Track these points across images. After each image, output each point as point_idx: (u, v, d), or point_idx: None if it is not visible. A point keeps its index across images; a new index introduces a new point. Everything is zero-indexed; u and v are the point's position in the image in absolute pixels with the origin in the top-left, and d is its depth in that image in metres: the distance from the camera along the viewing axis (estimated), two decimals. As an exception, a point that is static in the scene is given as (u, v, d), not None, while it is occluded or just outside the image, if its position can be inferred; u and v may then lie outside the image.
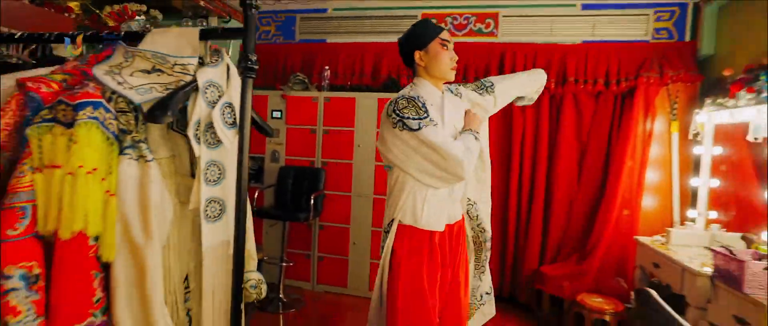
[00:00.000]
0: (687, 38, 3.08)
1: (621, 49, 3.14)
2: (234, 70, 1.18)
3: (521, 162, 3.32)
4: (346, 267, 3.53)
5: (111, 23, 2.58)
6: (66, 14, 2.34)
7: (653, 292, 1.43)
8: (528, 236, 3.30)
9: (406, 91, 1.52)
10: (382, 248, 1.53)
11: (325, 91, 3.55)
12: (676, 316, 1.28)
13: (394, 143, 1.44)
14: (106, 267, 0.97)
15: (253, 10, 1.13)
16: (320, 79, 3.60)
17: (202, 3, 3.35)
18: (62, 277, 0.90)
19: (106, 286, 0.96)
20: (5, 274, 0.83)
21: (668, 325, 1.25)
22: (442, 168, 1.40)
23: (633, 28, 3.18)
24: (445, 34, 1.56)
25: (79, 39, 1.33)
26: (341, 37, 3.72)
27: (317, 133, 3.53)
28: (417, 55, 1.55)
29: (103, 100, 0.98)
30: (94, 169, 0.93)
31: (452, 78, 1.58)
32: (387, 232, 1.53)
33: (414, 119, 1.40)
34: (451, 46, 1.56)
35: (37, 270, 0.88)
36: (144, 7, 2.78)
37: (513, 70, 3.28)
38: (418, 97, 1.48)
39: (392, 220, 1.51)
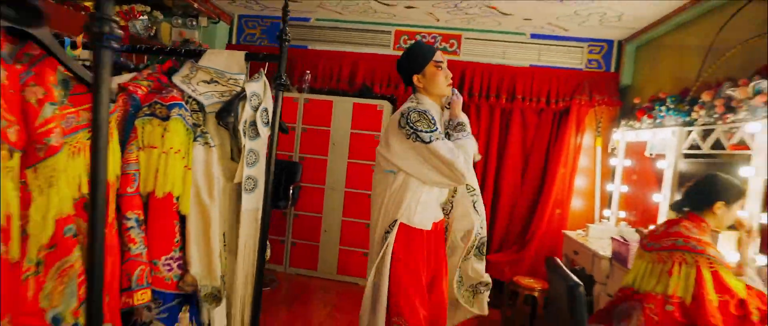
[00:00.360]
0: (612, 70, 3.81)
1: (560, 74, 3.82)
2: (268, 85, 1.65)
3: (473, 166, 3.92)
4: (316, 253, 3.99)
5: (121, 22, 2.93)
6: (83, 12, 2.67)
7: (557, 260, 2.02)
8: (477, 229, 3.90)
9: (414, 105, 1.69)
10: (381, 248, 1.69)
11: (305, 93, 4.00)
12: (571, 274, 1.86)
13: (405, 151, 1.64)
14: (182, 219, 1.41)
15: (286, 43, 1.60)
16: (301, 82, 4.05)
17: (195, 5, 3.71)
18: (156, 223, 1.34)
19: (182, 232, 1.41)
20: (127, 216, 1.27)
21: (564, 280, 1.83)
22: (448, 176, 1.64)
23: (571, 57, 3.87)
24: (438, 56, 1.74)
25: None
26: (322, 44, 4.18)
27: (296, 130, 3.98)
28: (415, 78, 1.75)
29: (183, 102, 1.42)
30: (179, 151, 1.38)
31: (449, 93, 1.80)
32: (388, 233, 1.68)
33: (426, 132, 1.60)
34: (444, 65, 1.75)
35: (142, 217, 1.31)
36: (148, 9, 3.14)
37: (471, 85, 3.88)
38: (427, 111, 1.66)
39: (395, 221, 1.68)
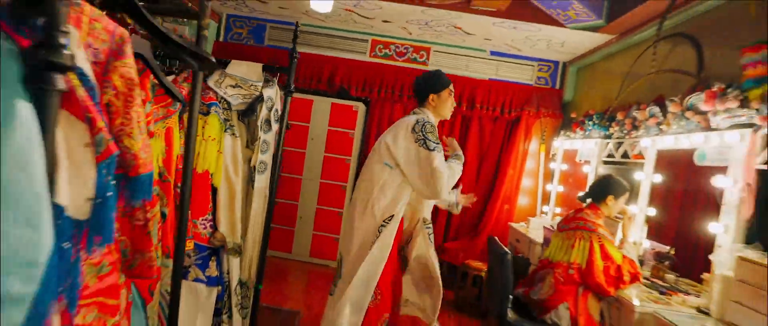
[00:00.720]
0: (557, 87, 4.51)
1: (514, 87, 4.48)
2: (279, 90, 2.15)
3: (437, 164, 4.53)
4: (292, 237, 4.48)
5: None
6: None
7: (495, 238, 2.63)
8: (436, 221, 4.50)
9: (426, 117, 2.01)
10: (373, 237, 1.92)
11: (287, 91, 4.47)
12: (502, 246, 2.47)
13: (408, 150, 1.93)
14: (213, 191, 1.90)
15: (295, 59, 2.11)
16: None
17: (189, 4, 4.09)
18: (196, 192, 1.82)
19: (213, 200, 1.90)
20: (177, 185, 1.74)
21: (497, 250, 2.44)
22: (427, 183, 1.91)
23: (523, 74, 4.54)
24: (452, 87, 2.10)
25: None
26: (305, 48, 4.65)
27: (278, 125, 4.44)
28: (431, 96, 2.06)
29: (217, 102, 1.91)
30: (214, 139, 1.87)
31: (449, 117, 2.18)
32: (384, 226, 1.92)
33: (433, 142, 1.91)
34: (453, 94, 2.13)
35: (187, 187, 1.79)
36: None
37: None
38: (435, 125, 2.00)
39: (392, 216, 1.93)
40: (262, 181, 2.11)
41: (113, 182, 0.92)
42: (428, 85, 2.10)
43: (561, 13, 3.36)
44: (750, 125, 2.01)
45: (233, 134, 1.95)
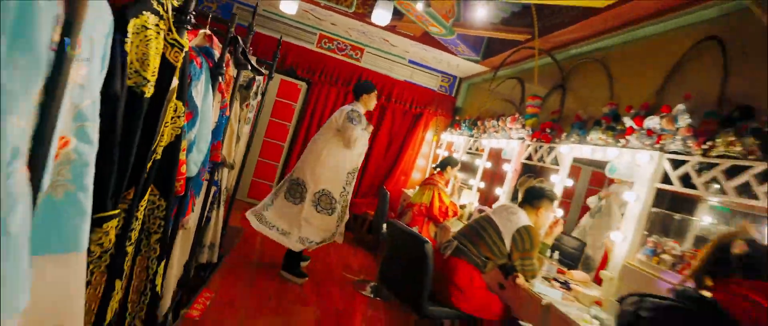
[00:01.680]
0: (453, 95, 6.42)
1: (422, 90, 6.30)
2: (263, 77, 3.70)
3: (357, 139, 6.25)
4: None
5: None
6: None
7: (384, 188, 4.40)
8: (351, 182, 6.24)
9: (356, 109, 3.61)
10: (341, 186, 3.74)
11: (247, 64, 5.90)
12: (385, 189, 4.24)
13: (345, 125, 3.52)
14: (221, 130, 3.43)
15: (276, 58, 3.68)
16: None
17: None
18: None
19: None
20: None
21: (381, 190, 4.20)
22: (346, 142, 3.52)
23: (430, 81, 6.39)
24: (376, 91, 3.82)
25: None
26: (264, 30, 6.08)
27: (236, 89, 5.87)
28: (364, 95, 3.70)
29: (230, 79, 3.44)
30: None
31: (372, 109, 3.87)
32: (351, 174, 3.79)
33: (356, 123, 3.52)
34: (377, 95, 3.84)
35: (209, 125, 3.32)
36: None
37: (365, 84, 6.16)
38: (361, 114, 3.61)
39: (355, 169, 3.81)
40: (246, 129, 3.67)
41: (225, 117, 2.51)
42: (363, 88, 3.79)
43: (454, 48, 5.20)
44: (523, 138, 3.95)
45: (236, 99, 3.49)
